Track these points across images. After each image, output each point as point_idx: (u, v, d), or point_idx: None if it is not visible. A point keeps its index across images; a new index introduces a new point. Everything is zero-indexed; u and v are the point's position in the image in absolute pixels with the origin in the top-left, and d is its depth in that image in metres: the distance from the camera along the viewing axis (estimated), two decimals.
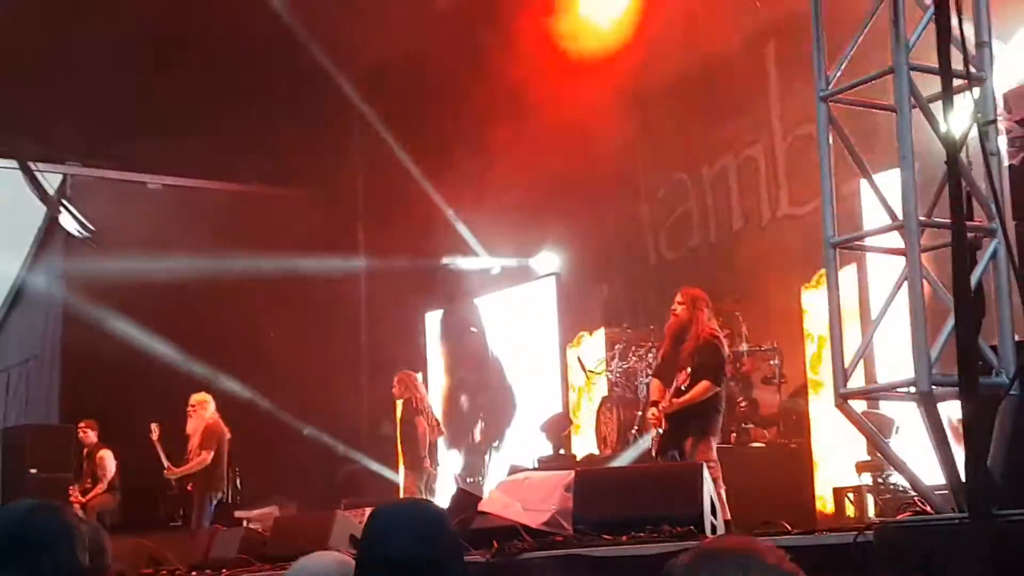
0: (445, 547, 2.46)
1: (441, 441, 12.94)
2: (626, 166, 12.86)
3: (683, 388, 8.24)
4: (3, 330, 16.62)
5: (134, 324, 14.44)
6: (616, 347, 11.91)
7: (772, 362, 10.69)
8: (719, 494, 7.15)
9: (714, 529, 6.61)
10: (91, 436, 12.42)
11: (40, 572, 2.79)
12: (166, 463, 12.33)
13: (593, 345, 12.50)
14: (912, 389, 4.52)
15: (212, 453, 11.81)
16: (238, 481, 14.20)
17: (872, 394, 5.47)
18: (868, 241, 5.16)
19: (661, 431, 8.32)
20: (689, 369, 8.20)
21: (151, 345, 14.48)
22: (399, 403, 12.51)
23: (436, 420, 12.41)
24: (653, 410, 8.43)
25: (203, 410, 11.93)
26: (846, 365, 4.77)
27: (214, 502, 12.08)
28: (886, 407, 7.78)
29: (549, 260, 13.98)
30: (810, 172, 11.29)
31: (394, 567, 2.36)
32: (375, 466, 14.90)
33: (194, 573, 9.43)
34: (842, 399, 4.69)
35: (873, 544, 4.57)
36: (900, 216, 4.68)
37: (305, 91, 13.87)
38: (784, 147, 11.83)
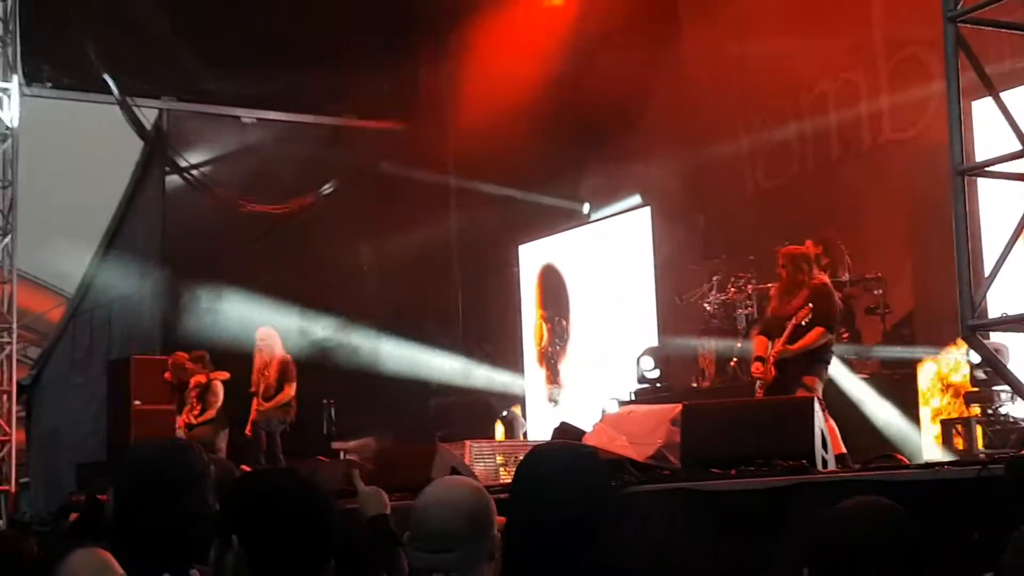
0: (606, 499, 2.38)
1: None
2: (722, 94, 12.60)
3: (803, 324, 8.03)
4: (104, 264, 16.90)
5: (230, 257, 14.61)
6: (714, 279, 11.75)
7: (876, 292, 10.46)
8: (831, 429, 7.02)
9: (825, 463, 6.51)
10: (200, 366, 12.47)
11: (171, 516, 2.76)
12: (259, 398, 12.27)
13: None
14: None
15: (295, 385, 11.74)
16: (332, 413, 14.37)
17: (1002, 325, 5.30)
18: (996, 168, 4.97)
19: (765, 381, 8.15)
20: (811, 305, 7.99)
21: (248, 277, 14.64)
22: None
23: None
24: (758, 364, 8.26)
25: (274, 344, 11.85)
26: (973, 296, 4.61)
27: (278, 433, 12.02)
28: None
29: (640, 197, 13.77)
30: (913, 96, 11.09)
31: (554, 516, 2.28)
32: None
33: None
34: (970, 330, 4.55)
35: (1003, 478, 4.44)
36: None
37: (399, 22, 13.78)
38: (887, 70, 11.50)
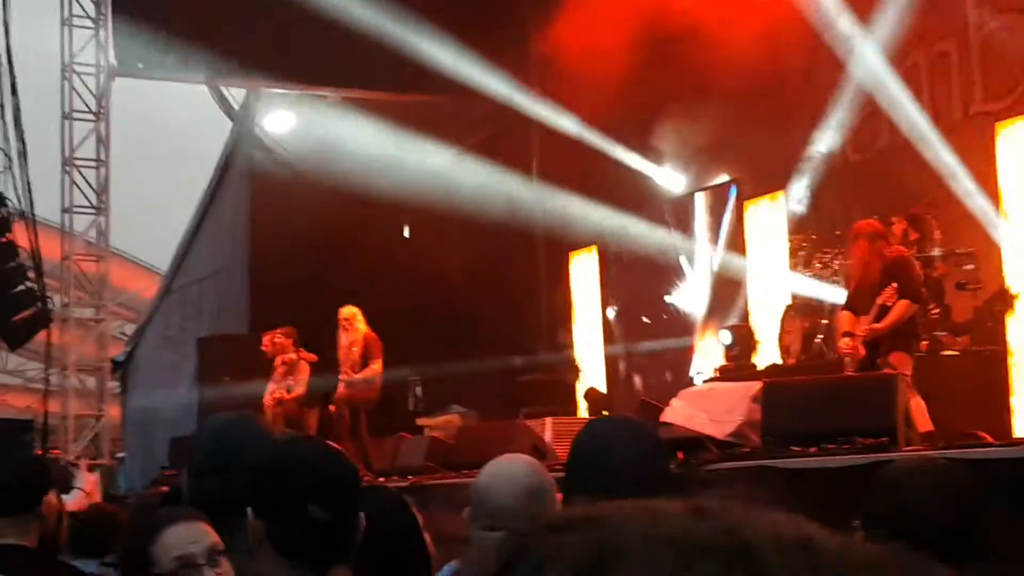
0: (660, 475, 2.32)
1: None
2: (811, 67, 12.39)
3: (889, 306, 7.87)
4: (194, 244, 17.20)
5: (317, 235, 14.76)
6: (800, 254, 11.59)
7: (966, 267, 10.21)
8: (917, 406, 6.89)
9: (909, 441, 6.39)
10: (288, 343, 12.55)
11: (237, 484, 2.77)
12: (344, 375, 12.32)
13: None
14: None
15: (380, 361, 11.78)
16: (418, 390, 14.47)
17: None
18: None
19: (855, 358, 8.00)
20: (895, 284, 7.82)
21: (332, 254, 14.79)
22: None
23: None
24: (846, 339, 8.11)
25: (357, 322, 11.89)
26: None
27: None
28: None
29: (726, 171, 13.60)
30: (1008, 65, 10.80)
31: (607, 486, 2.22)
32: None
33: (382, 479, 9.65)
34: None
35: None
36: None
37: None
38: (979, 39, 11.21)
